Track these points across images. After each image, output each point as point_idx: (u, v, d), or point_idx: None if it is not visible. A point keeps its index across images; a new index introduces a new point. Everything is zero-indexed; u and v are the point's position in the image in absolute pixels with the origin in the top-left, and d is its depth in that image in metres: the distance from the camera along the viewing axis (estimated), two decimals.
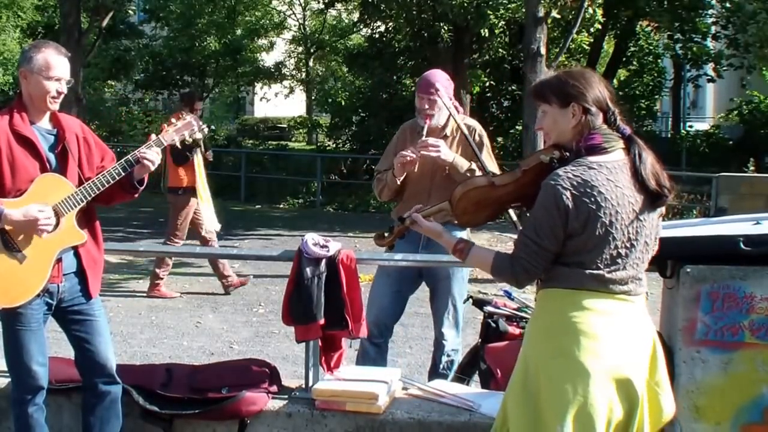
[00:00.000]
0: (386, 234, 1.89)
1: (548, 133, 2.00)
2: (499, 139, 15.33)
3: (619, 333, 1.91)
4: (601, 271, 1.90)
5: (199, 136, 2.70)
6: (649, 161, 1.94)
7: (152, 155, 2.52)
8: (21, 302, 2.41)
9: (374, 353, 3.26)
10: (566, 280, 1.91)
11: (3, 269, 2.38)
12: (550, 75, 2.06)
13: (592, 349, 1.87)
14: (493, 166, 3.27)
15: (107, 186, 2.48)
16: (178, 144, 2.65)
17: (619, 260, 1.91)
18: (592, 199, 1.86)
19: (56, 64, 2.45)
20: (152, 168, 2.54)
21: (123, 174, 2.50)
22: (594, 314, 1.90)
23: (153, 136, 2.59)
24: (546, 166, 1.95)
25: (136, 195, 2.62)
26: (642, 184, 1.92)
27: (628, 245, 1.91)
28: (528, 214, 1.96)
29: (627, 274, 1.93)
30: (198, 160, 6.34)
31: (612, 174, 1.90)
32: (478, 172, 3.19)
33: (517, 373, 1.99)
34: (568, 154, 1.96)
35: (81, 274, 2.54)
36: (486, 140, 3.30)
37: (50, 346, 2.61)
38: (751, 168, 11.21)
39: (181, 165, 6.33)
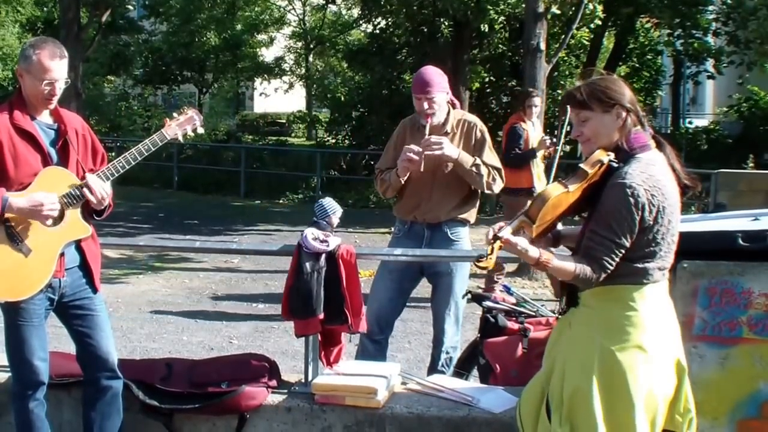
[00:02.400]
0: (483, 257, 1.92)
1: (591, 138, 2.06)
2: (500, 133, 15.30)
3: (672, 317, 2.09)
4: (663, 261, 2.03)
5: (201, 131, 2.69)
6: (676, 157, 2.10)
7: (96, 185, 2.40)
8: (26, 296, 2.41)
9: (373, 350, 3.25)
10: (632, 275, 2.01)
11: (8, 263, 2.37)
12: (578, 84, 2.12)
13: (658, 339, 2.01)
14: (494, 161, 3.27)
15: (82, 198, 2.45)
16: (180, 138, 2.64)
17: (672, 246, 2.05)
18: (660, 193, 1.98)
19: (51, 67, 2.41)
20: (94, 201, 2.43)
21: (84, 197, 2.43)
22: (657, 306, 2.03)
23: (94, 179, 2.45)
24: (606, 167, 2.01)
25: (101, 218, 2.56)
26: (677, 178, 2.06)
27: (675, 233, 2.05)
28: (595, 215, 2.01)
29: (672, 259, 2.08)
30: (536, 162, 5.92)
31: (663, 168, 2.03)
32: (483, 168, 3.20)
33: (581, 370, 2.02)
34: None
35: (84, 268, 2.54)
36: (487, 136, 3.31)
37: (50, 341, 2.61)
38: (750, 165, 11.20)
39: (516, 168, 5.76)
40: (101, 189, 2.44)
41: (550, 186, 2.02)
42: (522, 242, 1.97)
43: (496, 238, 1.94)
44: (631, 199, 1.94)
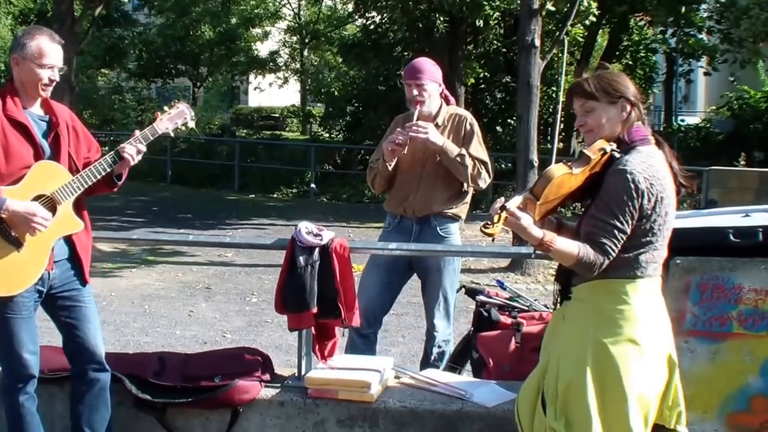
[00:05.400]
0: (490, 224, 1.94)
1: (594, 128, 2.10)
2: (498, 128, 15.34)
3: (664, 312, 2.11)
4: (657, 254, 2.05)
5: (191, 125, 2.68)
6: (673, 157, 2.13)
7: (131, 150, 2.50)
8: (19, 291, 2.39)
9: (362, 345, 3.25)
10: (626, 266, 2.03)
11: (2, 258, 2.35)
12: (586, 76, 2.15)
13: (650, 333, 2.04)
14: (482, 155, 3.28)
15: (101, 176, 2.48)
16: (171, 133, 2.63)
17: (666, 241, 2.07)
18: (659, 183, 2.01)
19: (49, 52, 2.44)
20: (132, 162, 2.52)
21: (111, 167, 2.50)
22: (649, 301, 2.06)
23: (137, 132, 2.55)
24: (608, 157, 2.04)
25: (115, 189, 2.61)
26: (674, 177, 2.09)
27: (670, 227, 2.07)
28: (596, 201, 2.03)
29: (666, 254, 2.09)
30: None
31: (662, 162, 2.07)
32: (468, 159, 3.21)
33: (575, 363, 2.03)
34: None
35: (74, 260, 2.53)
36: (477, 129, 3.30)
37: (43, 335, 2.60)
38: (742, 162, 11.26)
39: None
40: (132, 149, 2.51)
41: (555, 166, 2.04)
42: (526, 218, 1.99)
43: (503, 208, 1.96)
44: (632, 185, 1.97)
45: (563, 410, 2.04)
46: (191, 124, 2.67)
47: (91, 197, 2.61)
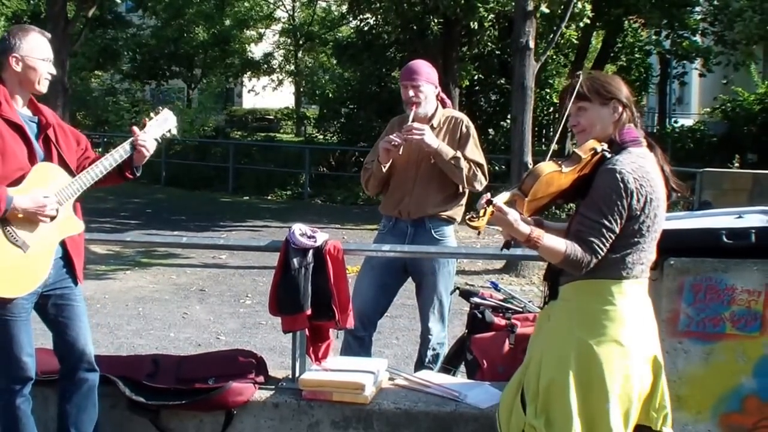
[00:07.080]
0: (476, 217, 1.93)
1: (586, 128, 2.13)
2: (490, 131, 15.37)
3: (650, 314, 2.12)
4: (644, 255, 2.06)
5: (175, 132, 2.73)
6: (665, 161, 2.15)
7: (150, 143, 2.55)
8: (26, 293, 2.38)
9: (357, 347, 3.25)
10: (613, 267, 2.03)
11: (7, 260, 2.34)
12: (580, 78, 2.17)
13: (635, 335, 2.05)
14: (478, 157, 3.28)
15: (104, 174, 2.50)
16: (158, 138, 2.65)
17: (654, 243, 2.08)
18: (649, 184, 2.02)
19: (44, 45, 2.49)
20: (148, 155, 2.57)
21: (120, 161, 2.53)
22: (636, 302, 2.06)
23: (135, 129, 2.59)
24: (599, 157, 2.06)
25: (132, 178, 2.66)
26: (666, 181, 2.10)
27: (659, 229, 2.08)
28: (586, 200, 2.04)
29: (654, 257, 2.10)
30: None
31: (653, 164, 2.08)
32: (463, 162, 3.21)
33: (558, 362, 2.04)
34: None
35: (67, 259, 2.53)
36: (473, 132, 3.31)
37: (37, 338, 2.58)
38: (736, 164, 11.31)
39: None
40: (151, 142, 2.58)
41: (544, 163, 2.04)
42: (513, 213, 2.00)
43: (489, 202, 1.96)
44: (621, 185, 1.99)
45: (544, 408, 2.05)
46: (174, 131, 2.72)
47: (88, 195, 2.61)
